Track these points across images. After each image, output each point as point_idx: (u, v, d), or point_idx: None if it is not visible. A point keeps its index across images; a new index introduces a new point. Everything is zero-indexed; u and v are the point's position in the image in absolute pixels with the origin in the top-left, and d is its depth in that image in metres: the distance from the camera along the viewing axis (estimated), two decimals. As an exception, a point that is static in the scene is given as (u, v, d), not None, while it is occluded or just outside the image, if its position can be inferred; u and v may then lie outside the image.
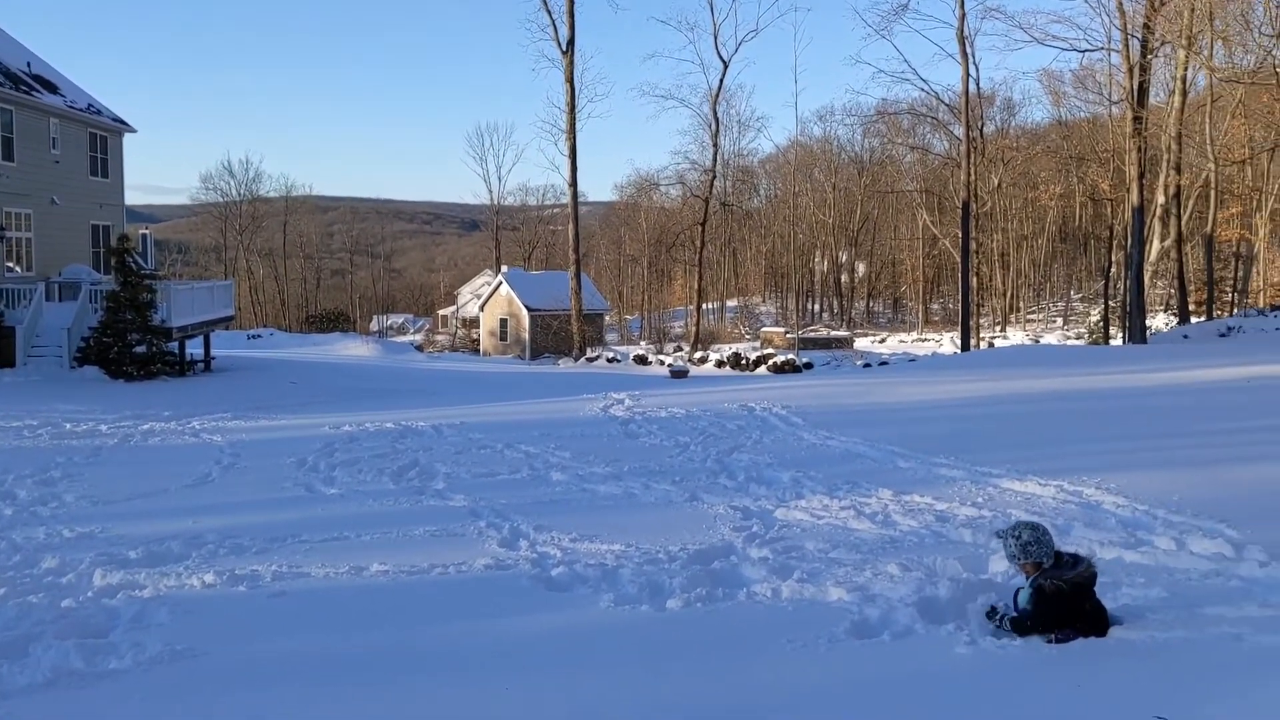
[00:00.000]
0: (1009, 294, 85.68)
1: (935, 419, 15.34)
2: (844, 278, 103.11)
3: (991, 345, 55.63)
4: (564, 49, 48.26)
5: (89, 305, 25.60)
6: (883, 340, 74.05)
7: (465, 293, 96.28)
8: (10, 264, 27.68)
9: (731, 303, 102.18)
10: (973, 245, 50.91)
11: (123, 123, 34.33)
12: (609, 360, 44.45)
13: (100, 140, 32.91)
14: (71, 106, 30.76)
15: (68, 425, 15.64)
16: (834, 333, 72.91)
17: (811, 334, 69.00)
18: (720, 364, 41.07)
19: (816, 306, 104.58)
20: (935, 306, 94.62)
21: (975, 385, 19.27)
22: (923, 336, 73.81)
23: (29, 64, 31.34)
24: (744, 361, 39.97)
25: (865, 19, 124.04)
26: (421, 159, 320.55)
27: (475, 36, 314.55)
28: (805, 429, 14.23)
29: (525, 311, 62.62)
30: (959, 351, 44.30)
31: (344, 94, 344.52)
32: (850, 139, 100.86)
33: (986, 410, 16.13)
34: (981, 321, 71.92)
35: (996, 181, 70.29)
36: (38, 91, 29.16)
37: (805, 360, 40.22)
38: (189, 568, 7.38)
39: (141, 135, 37.96)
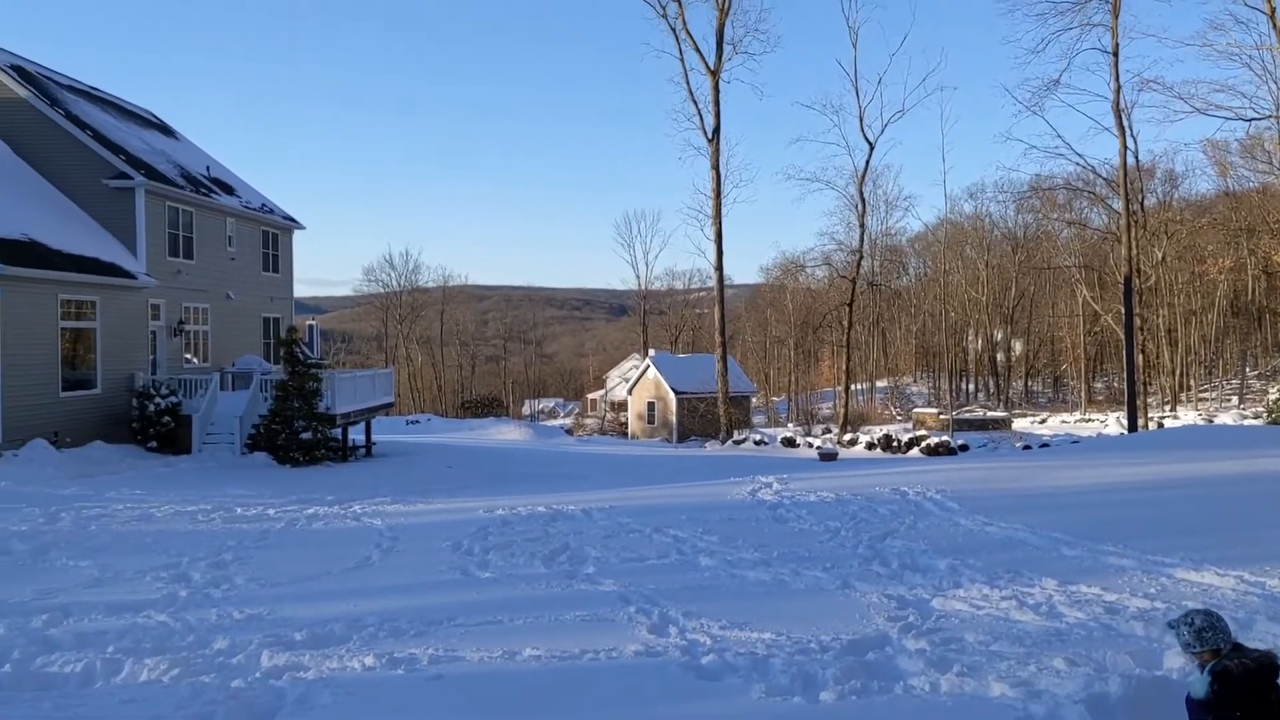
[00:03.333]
0: (1178, 372, 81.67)
1: (1102, 504, 14.67)
2: (999, 356, 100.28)
3: (1161, 425, 53.00)
4: (709, 137, 49.11)
5: (259, 394, 26.97)
6: (1043, 421, 71.39)
7: (614, 376, 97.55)
8: (188, 355, 29.48)
9: (881, 383, 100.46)
10: (1137, 321, 48.96)
11: (293, 220, 36.44)
12: (756, 443, 44.18)
13: (272, 237, 34.98)
14: (246, 206, 32.83)
15: (238, 509, 16.39)
16: (990, 413, 70.68)
17: (966, 415, 67.05)
18: (870, 446, 40.32)
19: (971, 386, 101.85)
20: (1099, 385, 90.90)
21: (1145, 468, 18.38)
22: (1086, 417, 70.87)
23: (208, 168, 33.70)
24: (895, 443, 39.13)
25: (1015, 96, 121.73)
26: (571, 247, 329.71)
27: (623, 128, 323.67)
28: (962, 514, 13.80)
29: (672, 394, 62.96)
30: (1126, 432, 42.37)
31: (498, 187, 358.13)
32: (1003, 215, 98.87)
33: (1158, 495, 15.35)
34: (1149, 401, 68.73)
35: (1160, 255, 67.67)
36: (216, 193, 31.25)
37: (960, 442, 39.12)
38: (350, 650, 7.59)
39: (309, 231, 40.20)
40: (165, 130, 35.66)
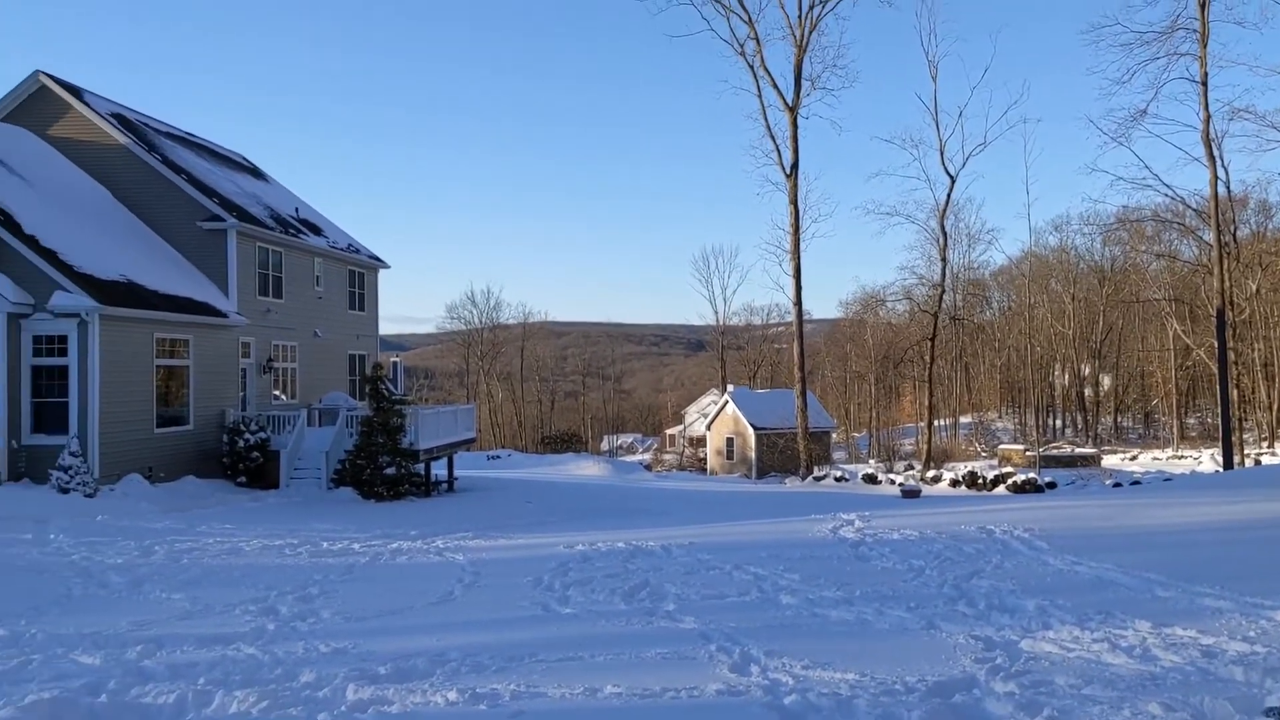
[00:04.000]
0: (1275, 407, 78.83)
1: (1197, 544, 14.21)
2: (1087, 392, 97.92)
3: (1258, 463, 51.20)
4: (788, 172, 49.11)
5: (345, 430, 27.48)
6: (1134, 458, 69.39)
7: (692, 412, 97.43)
8: (277, 392, 30.20)
9: (965, 419, 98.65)
10: (1231, 355, 47.50)
11: (378, 259, 37.23)
12: (837, 479, 43.67)
13: (358, 276, 35.76)
14: (333, 247, 33.64)
15: (324, 544, 16.66)
16: (1078, 450, 68.94)
17: (1054, 451, 65.52)
18: (955, 483, 39.61)
19: (1058, 422, 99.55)
20: (1191, 421, 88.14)
21: (1243, 507, 17.75)
22: (1179, 454, 68.73)
23: (297, 209, 34.64)
24: (980, 480, 38.38)
25: (1100, 127, 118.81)
26: (650, 283, 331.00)
27: (701, 164, 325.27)
28: (1050, 553, 13.47)
29: (751, 430, 62.65)
30: (1221, 470, 41.01)
31: (578, 225, 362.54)
32: (1089, 248, 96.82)
33: (1257, 534, 14.80)
34: (1245, 437, 66.38)
35: (1255, 287, 65.62)
36: (304, 234, 32.09)
37: (1048, 479, 38.25)
38: (434, 685, 7.64)
39: (393, 269, 41.02)
40: (256, 173, 36.77)
